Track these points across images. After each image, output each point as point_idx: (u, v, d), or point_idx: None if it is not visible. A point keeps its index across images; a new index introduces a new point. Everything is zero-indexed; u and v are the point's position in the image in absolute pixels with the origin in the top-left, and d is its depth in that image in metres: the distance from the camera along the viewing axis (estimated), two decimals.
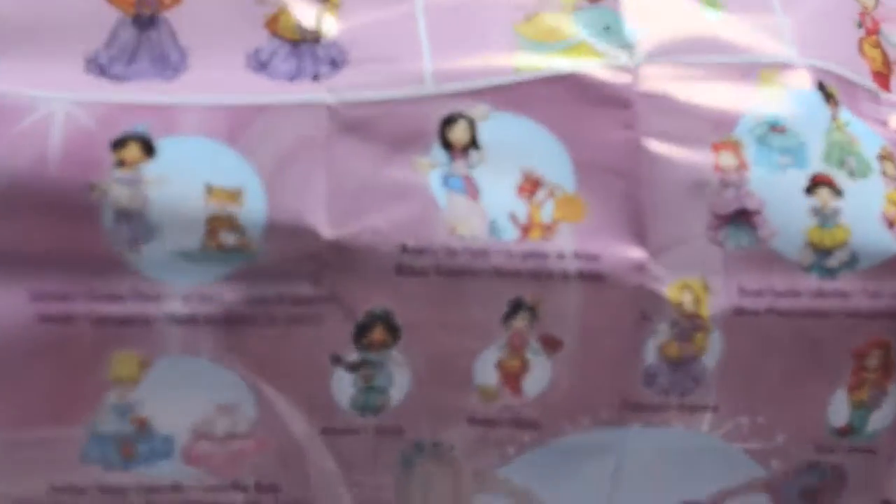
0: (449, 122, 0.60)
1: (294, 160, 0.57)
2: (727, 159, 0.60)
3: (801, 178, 0.60)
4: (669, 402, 0.61)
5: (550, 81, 0.60)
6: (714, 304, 0.60)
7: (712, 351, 0.60)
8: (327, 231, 0.57)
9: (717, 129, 0.60)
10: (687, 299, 0.60)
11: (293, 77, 0.59)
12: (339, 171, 0.58)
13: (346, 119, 0.59)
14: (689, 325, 0.60)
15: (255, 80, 0.59)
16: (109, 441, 0.58)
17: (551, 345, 0.60)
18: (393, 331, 0.59)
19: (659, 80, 0.60)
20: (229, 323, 0.57)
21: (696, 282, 0.60)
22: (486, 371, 0.60)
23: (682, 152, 0.60)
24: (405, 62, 0.59)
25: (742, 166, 0.60)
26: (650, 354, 0.60)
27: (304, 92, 0.59)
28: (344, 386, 0.60)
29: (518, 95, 0.59)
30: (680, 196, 0.59)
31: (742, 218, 0.60)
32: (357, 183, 0.58)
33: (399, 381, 0.60)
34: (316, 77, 0.59)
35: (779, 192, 0.60)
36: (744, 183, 0.60)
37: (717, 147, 0.60)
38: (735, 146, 0.61)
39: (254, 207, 0.56)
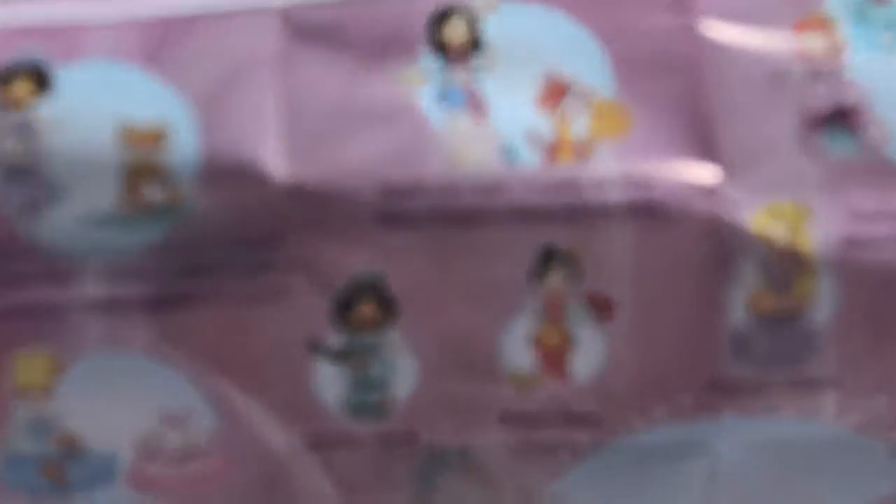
0: (442, 18, 0.50)
1: (236, 84, 0.49)
2: (815, 41, 0.50)
3: None
4: (772, 379, 0.50)
5: None
6: (817, 234, 0.49)
7: (823, 301, 0.49)
8: (284, 173, 0.48)
9: (799, 2, 0.50)
10: (778, 230, 0.49)
11: None
12: (297, 94, 0.49)
13: (302, 25, 0.49)
14: (785, 266, 0.49)
15: None
16: (30, 464, 0.50)
17: (601, 307, 0.49)
18: (386, 303, 0.49)
19: None
20: (165, 304, 0.49)
21: (788, 206, 0.49)
22: (517, 350, 0.50)
23: (754, 36, 0.50)
24: None
25: (836, 49, 0.50)
26: (737, 311, 0.49)
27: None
28: (330, 382, 0.50)
29: None
30: (755, 94, 0.50)
31: (841, 118, 0.50)
32: (321, 108, 0.49)
33: (402, 371, 0.50)
34: None
35: (888, 81, 0.50)
36: (839, 71, 0.50)
37: (800, 26, 0.50)
38: (824, 23, 0.50)
39: (185, 149, 0.48)
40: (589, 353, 0.50)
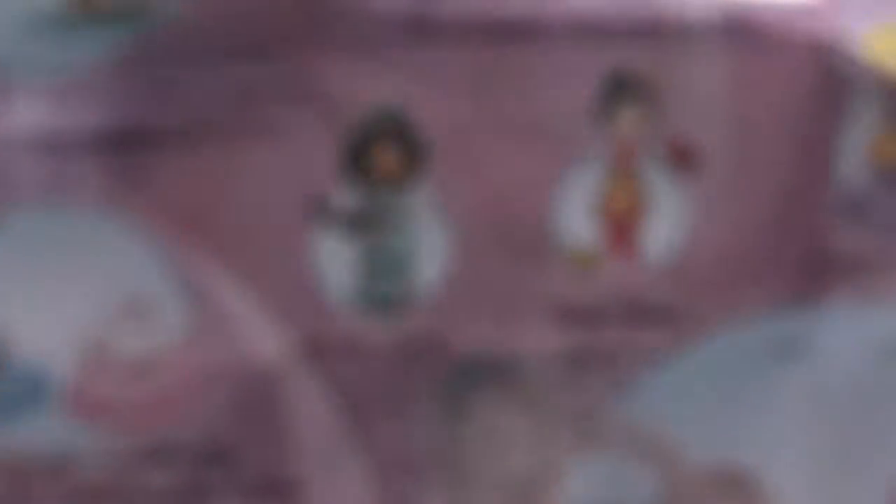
0: None
1: None
2: None
3: None
4: (894, 254, 0.41)
5: None
6: None
7: None
8: None
9: None
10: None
11: None
12: None
13: None
14: None
15: None
16: None
17: (685, 158, 0.40)
18: (411, 149, 0.40)
19: None
20: (124, 140, 0.39)
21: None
22: (575, 215, 0.41)
23: None
24: None
25: None
26: (852, 160, 0.41)
27: None
28: (335, 260, 0.40)
29: None
30: None
31: None
32: None
33: (429, 247, 0.40)
34: None
35: None
36: None
37: None
38: None
39: None
40: (666, 222, 0.41)
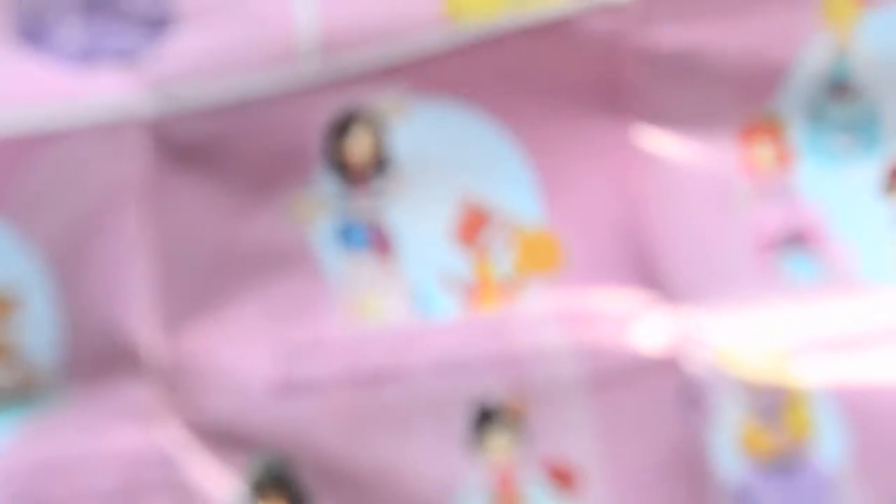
0: (341, 128, 0.42)
1: (97, 229, 0.41)
2: (762, 152, 0.44)
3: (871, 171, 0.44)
4: None
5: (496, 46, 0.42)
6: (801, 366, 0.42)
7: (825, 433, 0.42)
8: (160, 351, 0.40)
9: (747, 100, 0.43)
10: (748, 358, 0.42)
11: (87, 56, 0.40)
12: (171, 239, 0.41)
13: (175, 143, 0.41)
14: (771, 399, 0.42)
15: (20, 67, 0.40)
16: None
17: (564, 478, 0.41)
18: (297, 499, 0.41)
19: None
20: None
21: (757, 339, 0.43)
22: None
23: (695, 147, 0.43)
24: (270, 22, 0.41)
25: (786, 161, 0.44)
26: (726, 458, 0.41)
27: (109, 92, 0.40)
28: None
29: (451, 69, 0.42)
30: (701, 215, 0.43)
31: (798, 240, 0.43)
32: (199, 257, 0.41)
33: None
34: (124, 55, 0.40)
35: (843, 194, 0.44)
36: (791, 189, 0.44)
37: (748, 132, 0.44)
38: (774, 129, 0.44)
39: (39, 320, 0.40)
40: None
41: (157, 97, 0.41)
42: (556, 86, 0.42)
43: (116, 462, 0.40)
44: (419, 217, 0.42)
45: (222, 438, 0.40)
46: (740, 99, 0.43)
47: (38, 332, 0.40)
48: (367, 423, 0.40)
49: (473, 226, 0.42)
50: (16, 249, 0.40)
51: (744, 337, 0.42)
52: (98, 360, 0.40)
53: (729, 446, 0.41)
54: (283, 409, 0.40)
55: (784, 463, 0.41)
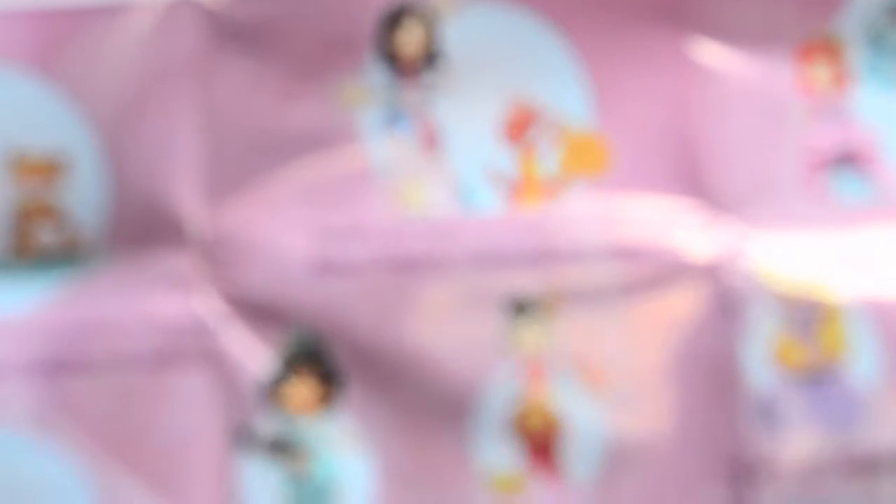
0: (394, 19, 0.42)
1: (147, 99, 0.41)
2: (819, 72, 0.43)
3: None
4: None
5: None
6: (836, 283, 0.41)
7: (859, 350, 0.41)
8: (203, 220, 0.41)
9: (807, 18, 0.43)
10: (789, 270, 0.41)
11: None
12: (219, 115, 0.42)
13: (228, 23, 0.42)
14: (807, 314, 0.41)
15: None
16: None
17: (590, 374, 0.41)
18: (328, 377, 0.41)
19: None
20: (57, 372, 0.40)
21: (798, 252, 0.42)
22: (495, 438, 0.41)
23: (751, 63, 0.43)
24: None
25: (842, 82, 0.43)
26: (758, 369, 0.41)
27: None
28: (259, 486, 0.40)
29: None
30: (752, 129, 0.43)
31: (849, 161, 0.43)
32: (246, 134, 0.42)
33: (349, 473, 0.41)
34: None
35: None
36: (846, 109, 0.43)
37: (805, 51, 0.43)
38: (832, 49, 0.43)
39: (86, 185, 0.41)
40: (584, 439, 0.41)
41: None
42: None
43: (153, 327, 0.40)
44: (467, 112, 0.42)
45: (258, 312, 0.40)
46: (801, 16, 0.43)
47: (85, 196, 0.41)
48: (402, 308, 0.41)
49: (521, 124, 0.42)
50: (66, 114, 0.41)
51: (785, 251, 0.42)
52: (141, 227, 0.41)
53: (761, 357, 0.41)
54: (320, 287, 0.41)
55: (816, 376, 0.41)
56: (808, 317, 0.41)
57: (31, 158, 0.41)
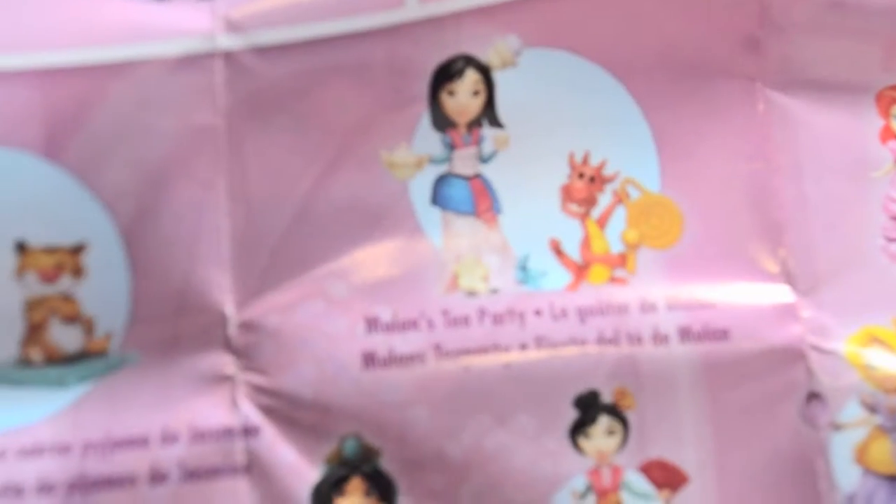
0: (447, 74, 0.37)
1: (167, 182, 0.36)
2: None
3: None
4: None
5: None
6: None
7: None
8: (241, 314, 0.37)
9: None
10: (880, 359, 0.37)
11: None
12: (247, 193, 0.37)
13: (257, 86, 0.37)
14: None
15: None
16: None
17: (666, 479, 0.37)
18: (379, 486, 0.37)
19: None
20: (79, 489, 0.35)
21: (884, 329, 0.38)
22: None
23: (832, 111, 0.39)
24: None
25: None
26: (842, 466, 0.37)
27: (185, 26, 0.36)
28: None
29: (563, 18, 0.38)
30: (835, 187, 0.39)
31: None
32: (278, 212, 0.37)
33: None
34: None
35: None
36: None
37: (887, 98, 0.39)
38: None
39: (105, 279, 0.36)
40: None
41: (238, 32, 0.37)
42: (675, 38, 0.39)
43: (188, 436, 0.36)
44: (530, 176, 0.38)
45: (303, 414, 0.36)
46: (886, 59, 0.39)
47: (105, 291, 0.36)
48: (461, 404, 0.37)
49: (586, 188, 0.38)
50: (83, 203, 0.36)
51: (872, 329, 0.38)
52: (172, 323, 0.36)
53: (849, 453, 0.38)
54: (370, 383, 0.37)
55: None
56: None
57: (44, 252, 0.36)
